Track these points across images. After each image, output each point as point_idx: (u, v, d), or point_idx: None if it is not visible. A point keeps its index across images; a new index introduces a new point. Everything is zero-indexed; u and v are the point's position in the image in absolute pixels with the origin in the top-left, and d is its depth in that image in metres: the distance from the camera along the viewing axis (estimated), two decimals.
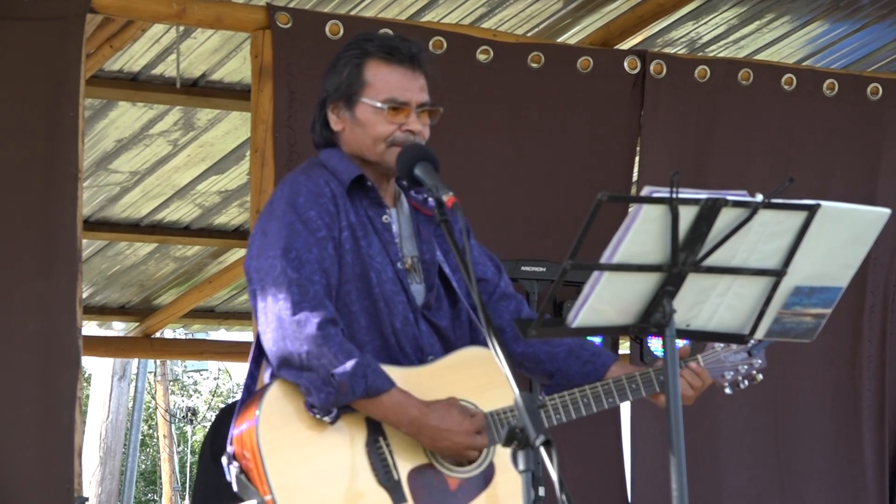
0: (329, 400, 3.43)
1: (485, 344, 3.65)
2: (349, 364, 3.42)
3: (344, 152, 3.70)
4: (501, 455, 3.56)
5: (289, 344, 3.44)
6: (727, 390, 3.83)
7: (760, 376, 3.83)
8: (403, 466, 3.51)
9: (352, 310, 3.58)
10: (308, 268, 3.50)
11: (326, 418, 3.47)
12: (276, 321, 3.46)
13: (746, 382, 3.82)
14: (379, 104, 3.64)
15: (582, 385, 3.67)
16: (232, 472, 3.56)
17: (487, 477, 3.57)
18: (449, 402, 3.55)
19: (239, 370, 31.02)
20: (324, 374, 3.41)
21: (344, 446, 3.49)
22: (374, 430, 3.51)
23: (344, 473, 3.47)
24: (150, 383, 23.40)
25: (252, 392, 3.65)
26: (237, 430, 3.56)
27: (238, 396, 3.74)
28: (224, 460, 3.60)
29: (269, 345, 3.49)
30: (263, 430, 3.45)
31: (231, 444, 3.58)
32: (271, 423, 3.47)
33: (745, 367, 3.81)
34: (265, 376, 3.66)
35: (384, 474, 3.49)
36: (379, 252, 3.64)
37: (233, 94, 7.17)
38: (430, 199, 3.74)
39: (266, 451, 3.44)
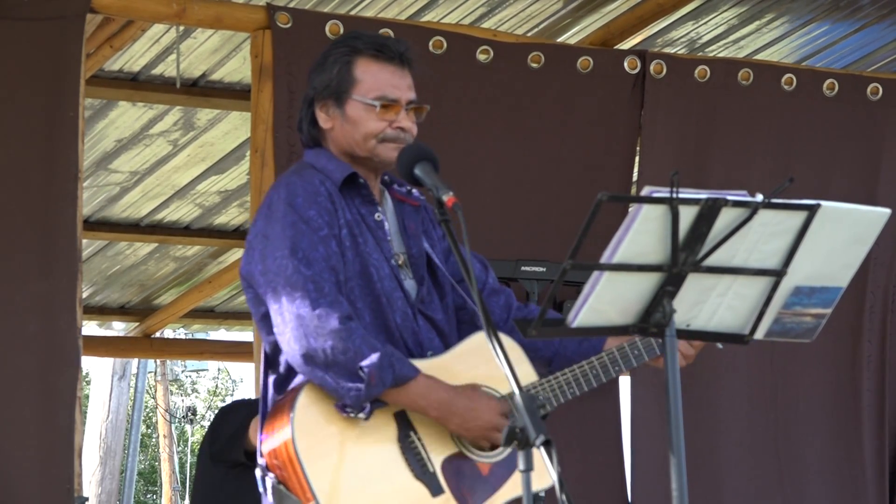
0: (360, 395, 3.44)
1: None
2: (375, 356, 3.43)
3: (331, 152, 3.71)
4: None
5: (312, 341, 3.44)
6: (719, 345, 3.89)
7: None
8: (436, 458, 3.54)
9: (357, 306, 3.59)
10: (317, 266, 3.51)
11: (361, 415, 3.48)
12: (296, 319, 3.46)
13: None
14: (370, 101, 3.66)
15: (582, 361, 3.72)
16: (267, 484, 3.56)
17: (515, 459, 3.59)
18: (473, 386, 3.58)
19: (238, 370, 31.07)
20: (351, 368, 3.42)
21: (378, 445, 3.52)
22: (404, 426, 3.54)
23: (382, 472, 3.50)
24: (150, 383, 23.40)
25: (269, 402, 3.65)
26: (268, 440, 3.57)
27: (236, 395, 3.74)
28: (258, 473, 3.61)
29: (290, 344, 3.48)
30: (299, 438, 3.46)
31: (262, 456, 3.59)
32: (306, 430, 3.48)
33: None
34: (270, 382, 3.66)
35: (420, 468, 3.52)
36: (374, 249, 3.66)
37: (233, 94, 7.17)
38: (415, 190, 3.76)
39: (305, 458, 3.45)
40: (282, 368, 3.61)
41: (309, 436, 3.48)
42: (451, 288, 3.78)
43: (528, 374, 3.68)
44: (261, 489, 3.61)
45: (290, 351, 3.49)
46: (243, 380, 31.74)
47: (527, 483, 2.84)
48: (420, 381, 3.51)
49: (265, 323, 3.59)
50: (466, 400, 3.53)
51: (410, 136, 3.68)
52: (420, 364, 3.56)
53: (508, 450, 3.58)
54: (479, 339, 3.69)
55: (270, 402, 3.67)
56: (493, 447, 3.60)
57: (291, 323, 3.47)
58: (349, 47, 3.70)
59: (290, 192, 3.60)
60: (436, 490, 3.51)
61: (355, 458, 3.49)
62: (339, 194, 3.64)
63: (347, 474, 3.48)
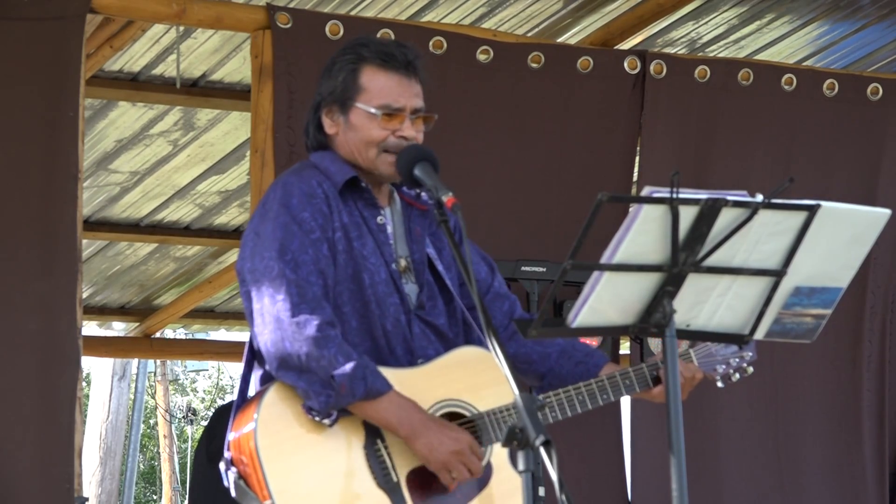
0: (329, 403, 3.42)
1: (478, 342, 3.67)
2: (349, 366, 3.41)
3: (337, 154, 3.70)
4: (499, 455, 3.57)
5: (288, 345, 3.43)
6: (719, 384, 3.85)
7: (751, 369, 3.85)
8: (402, 468, 3.50)
9: (343, 311, 3.58)
10: (305, 269, 3.50)
11: (326, 421, 3.46)
12: (275, 322, 3.45)
13: (738, 376, 3.84)
14: (373, 110, 3.64)
15: (570, 385, 3.68)
16: (230, 478, 3.55)
17: (485, 477, 3.57)
18: (447, 422, 3.55)
19: (235, 368, 31.07)
20: (323, 376, 3.41)
21: (342, 450, 3.49)
22: (372, 433, 3.51)
23: (343, 477, 3.47)
24: (150, 383, 23.40)
25: (246, 396, 3.65)
26: (234, 435, 3.55)
27: (232, 394, 3.74)
28: (222, 466, 3.59)
29: (267, 346, 3.48)
30: (262, 436, 3.45)
31: (228, 449, 3.57)
32: (269, 429, 3.46)
33: (737, 360, 3.82)
34: (255, 377, 3.66)
35: (383, 477, 3.48)
36: (373, 253, 3.63)
37: (233, 94, 7.17)
38: (424, 194, 3.74)
39: (265, 456, 3.43)
40: (267, 365, 3.61)
41: (272, 434, 3.46)
42: (458, 291, 3.76)
43: (506, 394, 3.64)
44: (224, 482, 3.59)
45: (266, 352, 3.48)
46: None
47: (527, 483, 2.84)
48: (392, 398, 3.47)
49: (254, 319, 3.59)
50: (437, 425, 3.50)
51: None
52: (400, 374, 3.54)
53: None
54: (463, 353, 3.67)
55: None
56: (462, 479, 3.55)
57: (270, 325, 3.46)
58: (356, 54, 3.68)
59: (286, 192, 3.59)
60: (397, 500, 3.47)
61: (317, 461, 3.46)
62: (337, 196, 3.62)
63: (307, 476, 3.45)
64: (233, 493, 3.54)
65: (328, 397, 3.42)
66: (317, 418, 3.46)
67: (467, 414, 3.59)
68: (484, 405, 3.59)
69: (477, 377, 3.61)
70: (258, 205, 3.67)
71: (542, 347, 3.78)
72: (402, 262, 3.69)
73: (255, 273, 3.54)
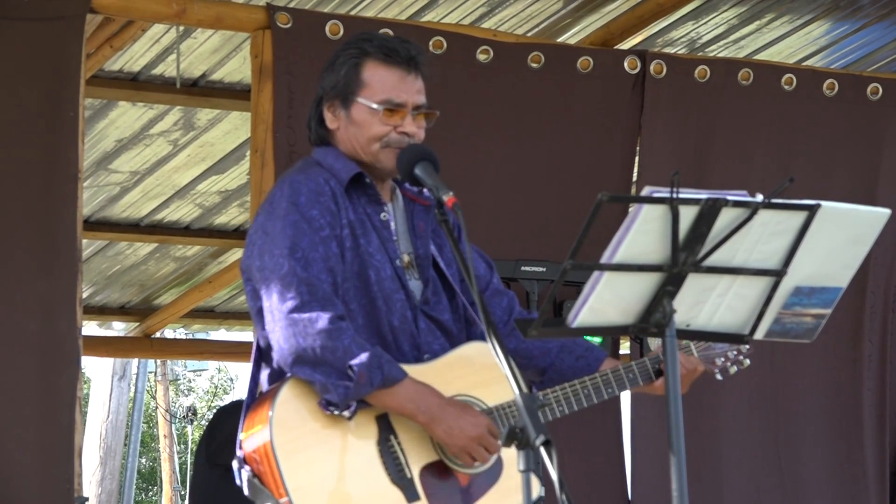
0: (348, 393, 3.43)
1: (481, 337, 3.68)
2: (364, 355, 3.42)
3: (339, 150, 3.70)
4: (509, 450, 3.58)
5: (301, 340, 3.43)
6: (718, 376, 3.88)
7: (748, 361, 3.87)
8: (415, 464, 3.52)
9: (350, 308, 3.58)
10: (315, 267, 3.50)
11: (346, 413, 3.46)
12: (286, 319, 3.46)
13: (735, 368, 3.87)
14: (375, 105, 3.64)
15: (574, 380, 3.70)
16: (243, 477, 3.55)
17: (497, 472, 3.59)
18: (465, 403, 3.57)
19: (235, 367, 31.12)
20: (340, 367, 3.42)
21: (356, 446, 3.50)
22: (385, 429, 3.52)
23: (358, 473, 3.48)
24: (150, 383, 23.40)
25: (255, 395, 3.65)
26: (247, 433, 3.56)
27: (234, 394, 3.73)
28: (234, 465, 3.59)
29: (279, 343, 3.48)
30: (277, 433, 3.45)
31: (240, 448, 3.57)
32: (285, 425, 3.47)
33: (734, 352, 3.85)
34: (264, 376, 3.66)
35: (397, 473, 3.50)
36: (378, 250, 3.64)
37: (233, 94, 7.17)
38: (426, 190, 3.74)
39: (281, 453, 3.44)
40: (275, 364, 3.61)
41: (287, 431, 3.47)
42: (460, 287, 3.77)
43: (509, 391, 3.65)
44: (237, 481, 3.59)
45: (279, 349, 3.49)
46: (238, 376, 31.75)
47: (527, 483, 2.84)
48: (408, 385, 3.48)
49: (261, 317, 3.58)
50: (456, 409, 3.51)
51: (416, 142, 3.65)
52: (409, 369, 3.54)
53: (490, 463, 3.57)
54: (470, 348, 3.69)
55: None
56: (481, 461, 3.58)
57: (281, 322, 3.47)
58: (358, 49, 3.68)
59: (294, 190, 3.59)
60: (412, 496, 3.48)
61: (332, 458, 3.47)
62: (343, 194, 3.63)
63: (323, 473, 3.46)
64: (246, 492, 3.54)
65: (346, 388, 3.42)
66: (335, 412, 3.46)
67: (477, 409, 3.60)
68: (493, 400, 3.61)
69: (485, 372, 3.62)
70: (264, 203, 3.66)
71: (542, 343, 3.80)
72: (406, 258, 3.70)
73: (263, 271, 3.54)
